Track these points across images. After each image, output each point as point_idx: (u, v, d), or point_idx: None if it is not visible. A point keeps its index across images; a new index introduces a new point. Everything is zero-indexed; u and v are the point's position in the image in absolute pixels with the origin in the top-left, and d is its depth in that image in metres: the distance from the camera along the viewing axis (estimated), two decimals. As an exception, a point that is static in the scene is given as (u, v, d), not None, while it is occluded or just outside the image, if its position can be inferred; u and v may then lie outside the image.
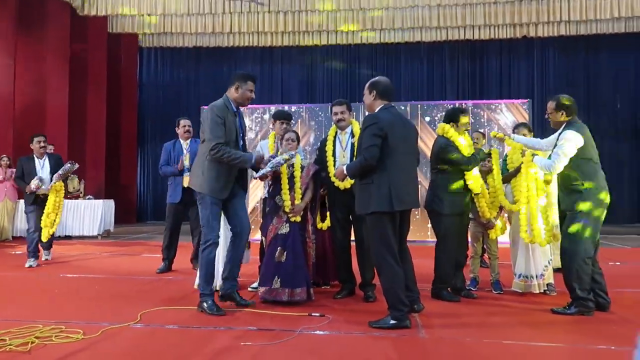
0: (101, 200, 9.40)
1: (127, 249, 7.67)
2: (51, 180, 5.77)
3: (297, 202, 4.01)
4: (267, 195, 4.30)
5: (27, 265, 5.75)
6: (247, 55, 12.93)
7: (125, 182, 12.68)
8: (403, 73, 12.57)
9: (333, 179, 4.13)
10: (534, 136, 4.58)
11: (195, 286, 4.49)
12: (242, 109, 3.98)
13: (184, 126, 5.58)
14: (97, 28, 11.72)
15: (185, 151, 5.53)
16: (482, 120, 8.62)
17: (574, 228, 3.61)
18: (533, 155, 3.90)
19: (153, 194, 13.11)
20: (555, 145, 3.70)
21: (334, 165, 4.21)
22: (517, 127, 4.74)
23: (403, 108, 8.64)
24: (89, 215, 9.09)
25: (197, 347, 2.94)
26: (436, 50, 12.42)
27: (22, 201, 8.99)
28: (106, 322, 3.36)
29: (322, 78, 12.85)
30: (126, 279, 5.07)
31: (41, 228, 5.78)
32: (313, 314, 3.58)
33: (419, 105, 8.86)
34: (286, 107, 8.72)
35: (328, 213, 4.37)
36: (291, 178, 4.04)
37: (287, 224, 3.99)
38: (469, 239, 4.57)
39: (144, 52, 13.23)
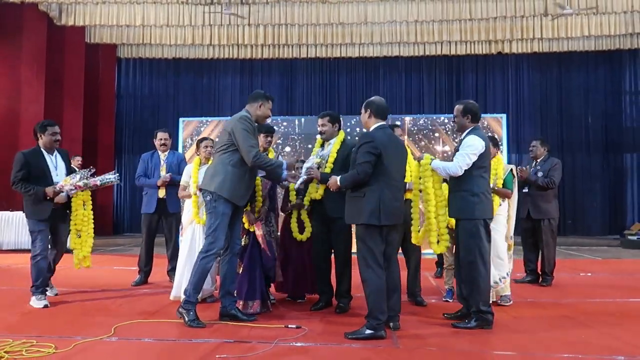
0: (76, 212, 9.22)
1: (102, 262, 7.55)
2: (78, 183, 4.30)
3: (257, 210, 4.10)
4: None
5: (40, 305, 4.22)
6: (227, 68, 12.94)
7: (102, 193, 12.47)
8: (382, 87, 12.71)
9: (311, 189, 4.23)
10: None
11: (172, 298, 4.46)
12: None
13: (160, 139, 5.57)
14: (75, 38, 11.58)
15: (162, 162, 5.52)
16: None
17: (471, 237, 3.62)
18: (431, 159, 3.79)
19: (130, 206, 12.91)
20: (457, 149, 3.74)
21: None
22: None
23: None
24: (64, 227, 8.90)
25: (171, 360, 2.92)
26: (414, 64, 12.62)
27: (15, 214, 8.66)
28: (79, 336, 3.30)
29: (301, 91, 12.91)
30: (101, 292, 4.99)
31: (58, 251, 4.54)
32: (289, 326, 3.59)
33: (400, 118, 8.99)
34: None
35: (305, 224, 4.41)
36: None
37: (246, 236, 4.10)
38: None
39: (122, 62, 13.13)
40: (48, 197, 4.23)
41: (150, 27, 11.55)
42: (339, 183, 3.57)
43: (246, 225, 4.10)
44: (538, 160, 5.63)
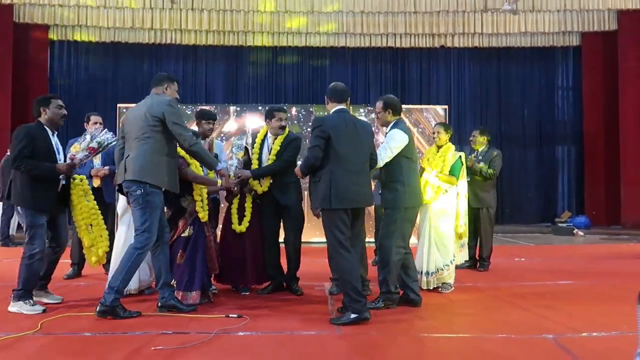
0: (0, 202, 8.63)
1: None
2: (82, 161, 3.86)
3: (204, 199, 3.98)
4: None
5: (39, 310, 3.65)
6: (169, 53, 12.49)
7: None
8: (328, 77, 12.70)
9: (252, 182, 4.26)
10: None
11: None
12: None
13: (95, 122, 5.21)
14: (2, 17, 10.81)
15: (94, 149, 5.20)
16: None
17: (392, 224, 3.74)
18: None
19: (65, 197, 12.29)
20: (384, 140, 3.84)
21: (259, 167, 4.33)
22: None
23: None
24: (-11, 219, 8.30)
25: (103, 354, 2.78)
26: (360, 55, 12.71)
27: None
28: (2, 332, 3.08)
29: (247, 79, 12.69)
30: (29, 286, 4.68)
31: (60, 251, 4.02)
32: (230, 315, 3.51)
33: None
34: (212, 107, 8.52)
35: (247, 215, 4.33)
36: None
37: (191, 227, 3.96)
38: None
39: (55, 45, 12.36)
40: (60, 176, 3.76)
41: (86, 8, 10.97)
42: (299, 170, 3.71)
43: (201, 215, 3.94)
44: (479, 150, 5.77)
